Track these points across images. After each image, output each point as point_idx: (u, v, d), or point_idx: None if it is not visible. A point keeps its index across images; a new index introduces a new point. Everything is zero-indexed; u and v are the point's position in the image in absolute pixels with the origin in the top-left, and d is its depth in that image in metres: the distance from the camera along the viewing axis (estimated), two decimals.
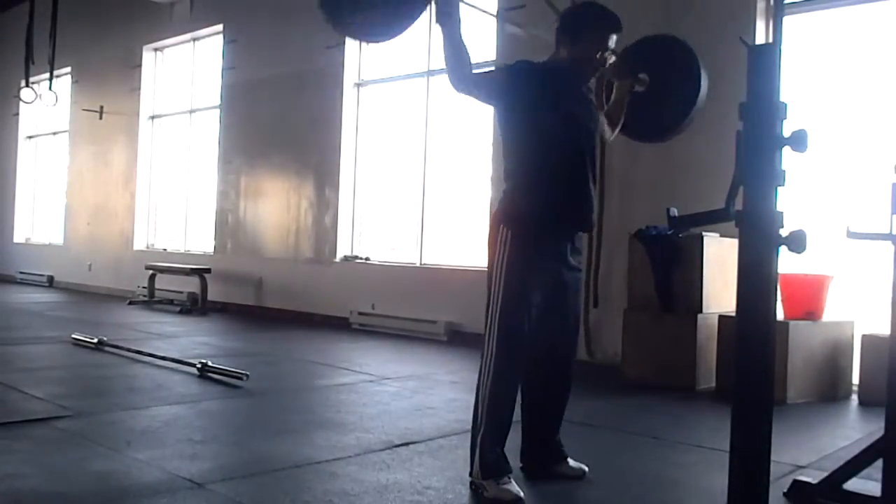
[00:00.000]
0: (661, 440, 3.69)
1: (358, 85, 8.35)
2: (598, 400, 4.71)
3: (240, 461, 3.15)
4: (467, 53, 2.76)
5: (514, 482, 2.73)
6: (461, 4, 2.76)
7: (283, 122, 8.87)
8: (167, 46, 10.95)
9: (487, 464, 2.75)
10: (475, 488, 2.77)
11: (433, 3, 2.69)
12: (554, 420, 3.03)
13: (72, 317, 8.32)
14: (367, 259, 8.19)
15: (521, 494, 2.68)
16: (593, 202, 2.90)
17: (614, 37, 2.87)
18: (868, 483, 2.71)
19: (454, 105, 7.47)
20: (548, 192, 2.80)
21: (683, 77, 3.17)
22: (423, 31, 7.63)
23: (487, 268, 2.86)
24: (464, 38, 2.74)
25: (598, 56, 2.85)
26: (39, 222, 13.61)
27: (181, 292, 9.51)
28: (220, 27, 9.80)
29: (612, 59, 2.91)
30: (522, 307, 2.77)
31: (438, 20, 2.72)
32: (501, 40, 6.78)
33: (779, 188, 2.09)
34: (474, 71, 2.80)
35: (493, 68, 2.83)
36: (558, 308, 2.91)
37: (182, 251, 10.39)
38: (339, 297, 8.04)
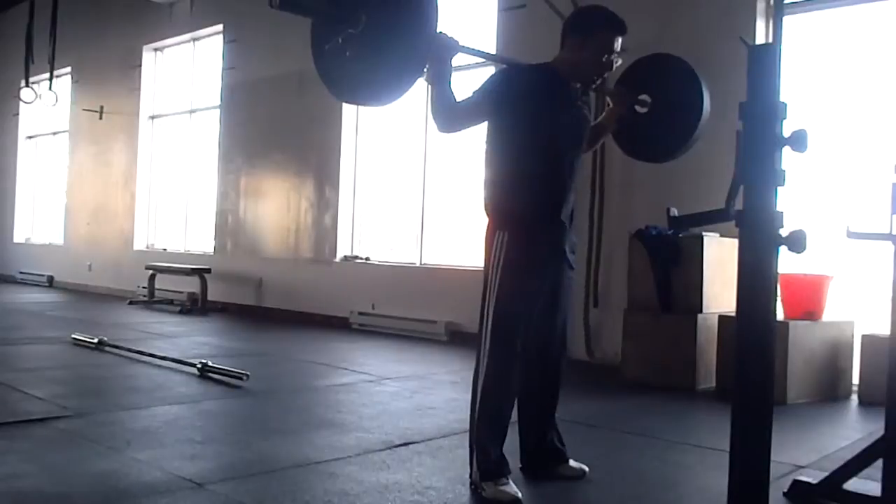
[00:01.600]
0: (661, 440, 3.69)
1: None
2: (598, 400, 4.71)
3: (240, 461, 3.15)
4: (454, 105, 2.77)
5: (512, 483, 2.73)
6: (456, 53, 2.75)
7: (283, 122, 8.87)
8: (167, 46, 10.95)
9: (486, 465, 2.75)
10: (475, 488, 2.77)
11: (428, 66, 2.69)
12: (546, 419, 3.02)
13: (72, 317, 8.32)
14: (367, 259, 8.19)
15: (519, 495, 2.68)
16: (570, 206, 2.90)
17: (620, 40, 2.87)
18: (868, 483, 2.72)
19: None
20: (531, 191, 2.81)
21: (686, 98, 3.14)
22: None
23: (483, 270, 2.86)
24: (454, 92, 2.75)
25: (604, 59, 2.84)
26: (39, 222, 13.61)
27: (181, 292, 9.52)
28: (220, 27, 9.80)
29: (619, 62, 2.91)
30: (517, 307, 2.78)
31: (430, 80, 2.73)
32: (502, 40, 6.78)
33: (779, 188, 2.09)
34: (463, 107, 2.81)
35: (471, 94, 2.82)
36: (551, 308, 2.92)
37: (182, 251, 10.39)
38: (339, 297, 8.04)
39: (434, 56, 2.66)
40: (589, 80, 2.91)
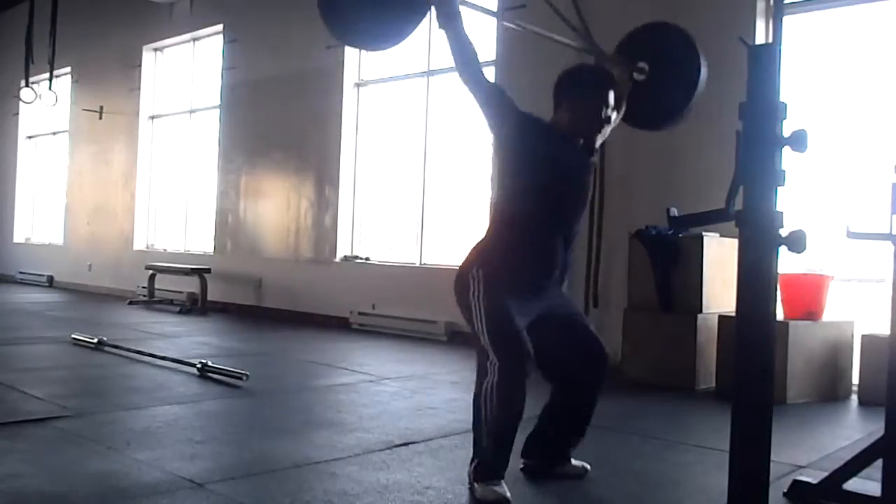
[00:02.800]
0: (662, 440, 3.70)
1: (358, 85, 8.35)
2: (599, 400, 4.70)
3: (240, 461, 3.15)
4: (474, 50, 2.77)
5: (504, 485, 2.71)
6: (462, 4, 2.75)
7: (283, 122, 8.87)
8: (167, 46, 10.95)
9: (483, 466, 2.74)
10: (469, 486, 2.77)
11: (433, 7, 2.68)
12: (572, 434, 3.01)
13: (72, 317, 8.32)
14: (367, 259, 8.19)
15: (507, 495, 2.66)
16: (562, 264, 2.88)
17: (613, 93, 2.88)
18: (868, 483, 2.71)
19: (454, 105, 7.48)
20: (519, 251, 2.80)
21: (683, 63, 3.19)
22: (423, 31, 7.63)
23: (461, 305, 2.82)
24: (469, 35, 2.74)
25: (603, 115, 2.84)
26: (39, 222, 13.60)
27: (181, 292, 9.52)
28: (220, 27, 9.79)
29: (614, 115, 2.91)
30: (513, 330, 2.72)
31: (441, 24, 2.71)
32: (501, 40, 6.78)
33: (779, 188, 2.09)
34: (490, 82, 2.80)
35: (506, 95, 2.83)
36: (559, 327, 2.91)
37: (182, 251, 10.39)
38: (339, 297, 8.04)
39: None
40: (590, 136, 2.93)
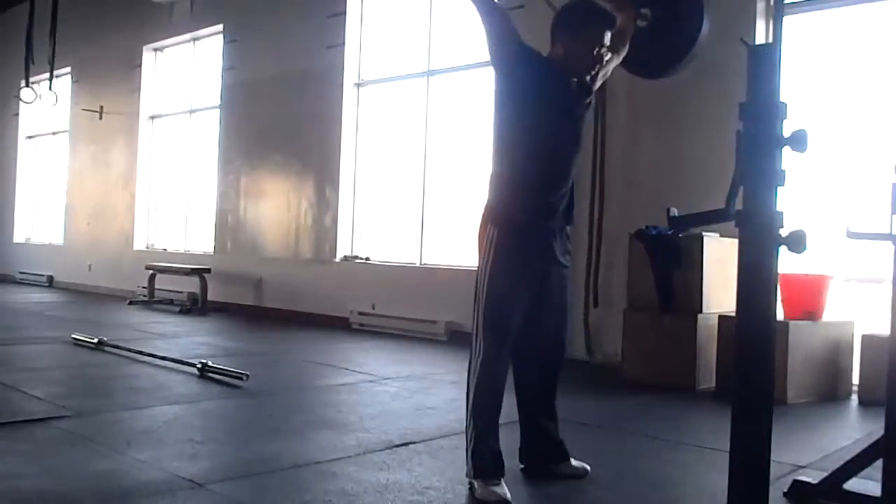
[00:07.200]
0: (661, 440, 3.69)
1: (358, 85, 8.35)
2: (598, 400, 4.71)
3: (240, 461, 3.15)
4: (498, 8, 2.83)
5: (504, 484, 2.71)
6: None
7: (283, 122, 8.87)
8: (167, 46, 10.95)
9: (481, 462, 2.75)
10: (469, 486, 2.77)
11: None
12: (547, 414, 3.03)
13: (72, 317, 8.32)
14: (367, 259, 8.19)
15: (508, 497, 2.66)
16: (570, 200, 2.94)
17: (609, 33, 2.90)
18: (868, 483, 2.72)
19: (454, 105, 7.48)
20: (531, 191, 2.84)
21: (686, 11, 3.17)
22: (423, 30, 7.64)
23: (477, 268, 2.89)
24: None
25: (595, 52, 2.86)
26: (39, 222, 13.60)
27: (181, 292, 9.52)
28: (220, 27, 9.79)
29: (608, 55, 2.92)
30: (507, 304, 2.80)
31: None
32: None
33: (779, 188, 2.09)
34: (502, 13, 2.87)
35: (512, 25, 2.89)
36: (544, 304, 2.92)
37: (182, 251, 10.39)
38: (339, 297, 8.04)
39: None
40: (581, 74, 2.94)
